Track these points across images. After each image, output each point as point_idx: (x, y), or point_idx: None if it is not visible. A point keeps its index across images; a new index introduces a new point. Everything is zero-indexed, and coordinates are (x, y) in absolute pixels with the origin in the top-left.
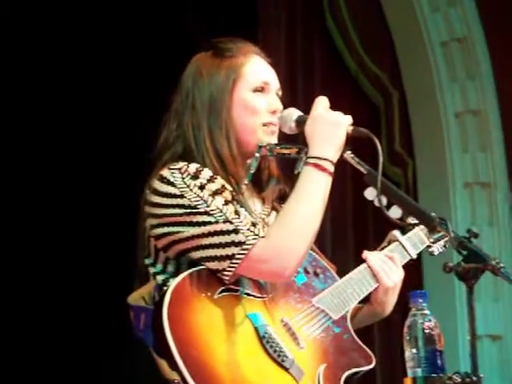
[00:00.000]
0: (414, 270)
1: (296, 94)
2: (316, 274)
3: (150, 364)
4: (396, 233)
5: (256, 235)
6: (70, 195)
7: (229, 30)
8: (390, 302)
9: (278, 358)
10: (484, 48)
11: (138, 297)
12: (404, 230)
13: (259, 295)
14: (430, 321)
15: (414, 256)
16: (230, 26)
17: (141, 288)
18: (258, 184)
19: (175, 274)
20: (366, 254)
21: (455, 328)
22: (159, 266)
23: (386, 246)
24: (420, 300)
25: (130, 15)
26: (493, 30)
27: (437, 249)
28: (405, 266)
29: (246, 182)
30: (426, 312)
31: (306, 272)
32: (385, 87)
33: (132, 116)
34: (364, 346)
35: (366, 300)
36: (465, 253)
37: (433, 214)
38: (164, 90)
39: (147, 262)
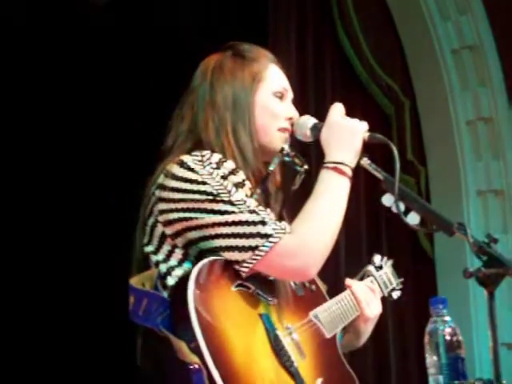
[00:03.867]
0: (428, 276)
1: (307, 104)
2: (311, 290)
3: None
4: (371, 268)
5: (283, 230)
6: (67, 190)
7: (239, 40)
8: (367, 332)
9: (286, 363)
10: (495, 55)
11: (138, 282)
12: (376, 269)
13: (268, 297)
14: (450, 327)
15: (386, 294)
16: (240, 37)
17: (141, 274)
18: (265, 194)
19: (180, 263)
20: (349, 281)
21: (470, 335)
22: (161, 254)
23: (359, 280)
24: (440, 306)
25: (141, 32)
26: (503, 37)
27: (395, 294)
28: (419, 273)
29: (262, 181)
30: (447, 318)
31: (304, 286)
32: (396, 96)
33: (131, 115)
34: (350, 369)
35: (343, 329)
36: (484, 258)
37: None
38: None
39: (147, 249)
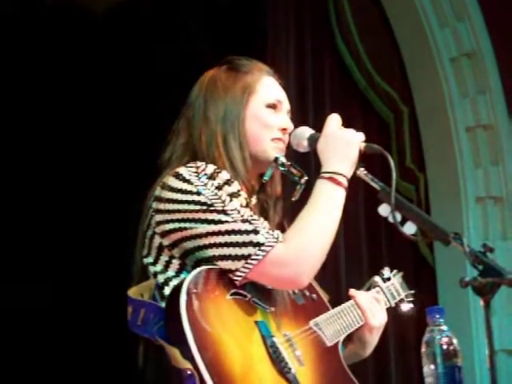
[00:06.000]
0: (428, 284)
1: (306, 112)
2: (312, 299)
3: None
4: (378, 279)
5: (276, 238)
6: (68, 195)
7: (238, 47)
8: (373, 342)
9: (283, 369)
10: (493, 62)
11: (136, 292)
12: (383, 280)
13: (265, 306)
14: (447, 336)
15: (393, 305)
16: (239, 44)
17: (139, 285)
18: (262, 206)
19: (178, 274)
20: (352, 292)
21: (471, 343)
22: (159, 265)
23: (366, 290)
24: (437, 316)
25: (138, 31)
26: (501, 44)
27: (405, 306)
28: (420, 280)
29: (256, 191)
30: (444, 328)
31: (304, 295)
32: (395, 103)
33: (133, 122)
34: (354, 379)
35: (348, 339)
36: (480, 267)
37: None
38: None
39: (146, 260)
